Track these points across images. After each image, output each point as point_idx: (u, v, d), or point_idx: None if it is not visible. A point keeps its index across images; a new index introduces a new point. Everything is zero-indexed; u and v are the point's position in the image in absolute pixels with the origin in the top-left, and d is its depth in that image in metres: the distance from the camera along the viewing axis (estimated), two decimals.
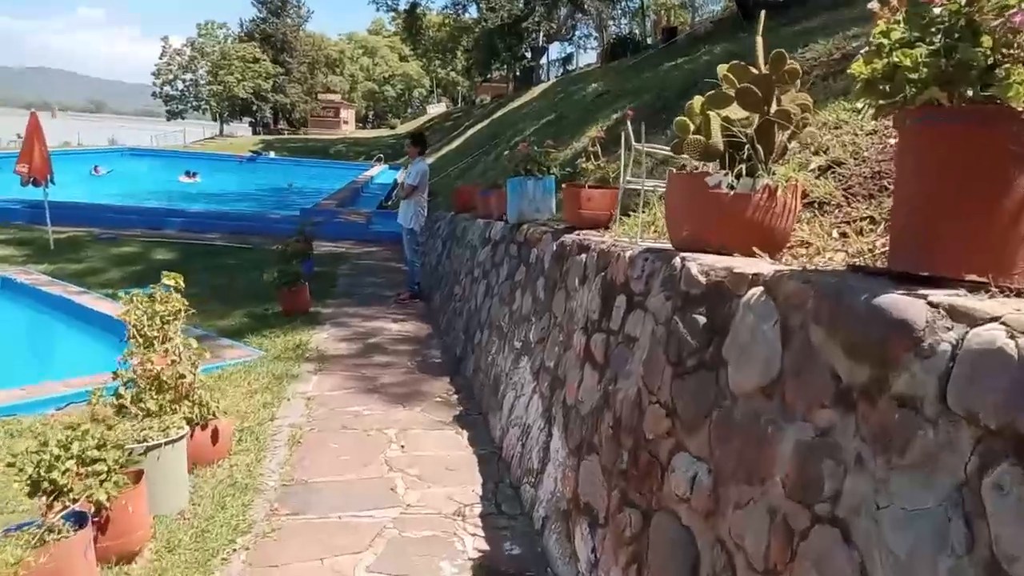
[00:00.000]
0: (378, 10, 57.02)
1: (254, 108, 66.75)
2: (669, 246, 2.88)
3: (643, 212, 3.71)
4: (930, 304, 1.30)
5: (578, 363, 3.38)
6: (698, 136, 2.68)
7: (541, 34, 48.63)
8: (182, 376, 4.06)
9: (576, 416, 3.26)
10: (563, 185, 4.73)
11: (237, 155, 43.61)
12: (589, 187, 4.48)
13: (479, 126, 32.76)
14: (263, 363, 6.39)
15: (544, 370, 3.96)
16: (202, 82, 66.06)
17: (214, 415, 4.24)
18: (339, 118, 76.61)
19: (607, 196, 4.43)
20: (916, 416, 1.27)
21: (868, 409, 1.40)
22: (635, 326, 2.78)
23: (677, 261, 2.51)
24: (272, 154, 46.78)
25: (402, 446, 4.53)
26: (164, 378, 4.08)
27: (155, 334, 4.75)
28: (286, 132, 67.63)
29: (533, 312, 4.53)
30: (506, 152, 6.14)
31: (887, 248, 1.85)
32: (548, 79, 46.57)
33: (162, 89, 65.37)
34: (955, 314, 1.25)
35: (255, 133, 66.73)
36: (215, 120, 68.24)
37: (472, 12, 52.01)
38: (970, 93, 1.48)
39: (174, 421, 3.81)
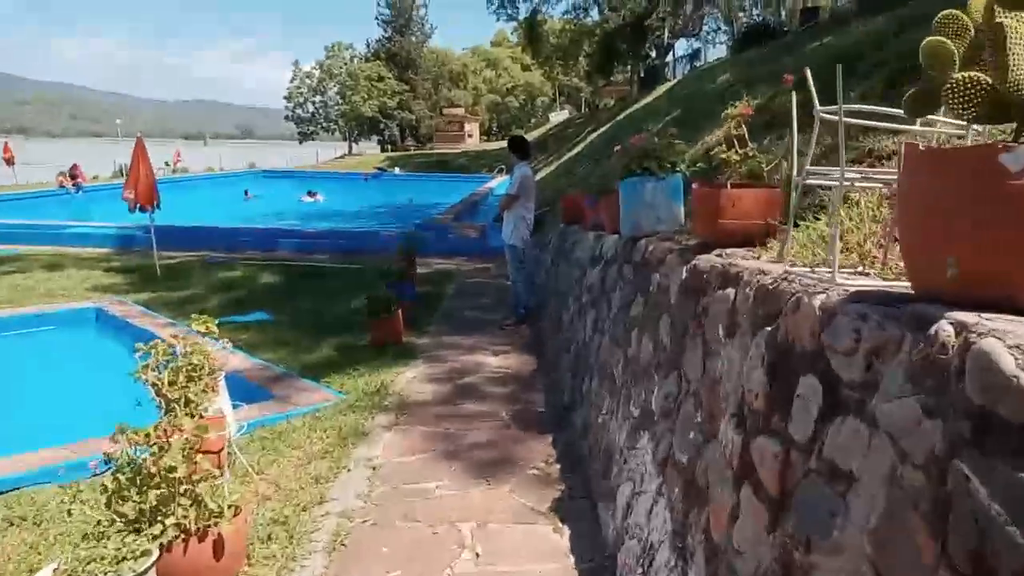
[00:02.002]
0: (498, 20, 56.87)
1: (381, 126, 68.26)
2: (900, 287, 1.53)
3: (834, 221, 2.30)
4: None
5: (730, 475, 2.04)
6: (975, 74, 1.32)
7: (666, 31, 46.60)
8: (171, 469, 3.00)
9: (728, 569, 1.93)
10: (693, 185, 3.39)
11: (362, 173, 44.31)
12: (733, 186, 3.12)
13: (601, 130, 31.40)
14: (334, 414, 5.39)
15: (673, 464, 2.64)
16: (331, 103, 68.24)
17: (221, 514, 3.16)
18: (463, 131, 77.14)
19: (762, 198, 3.04)
20: None
21: None
22: (849, 448, 1.42)
23: (946, 333, 1.16)
24: (396, 170, 47.30)
25: (477, 554, 3.30)
26: (153, 468, 3.05)
27: (175, 395, 3.77)
28: (412, 148, 68.74)
29: (655, 365, 3.20)
30: (616, 148, 4.79)
31: None
32: (674, 77, 44.50)
33: (294, 112, 68.05)
34: None
35: (383, 150, 68.24)
36: (345, 140, 70.34)
37: (594, 15, 50.76)
38: None
39: (141, 544, 2.76)
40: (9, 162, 33.29)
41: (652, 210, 4.33)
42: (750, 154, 3.18)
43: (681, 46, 53.33)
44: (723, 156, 3.21)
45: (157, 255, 12.48)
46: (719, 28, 50.96)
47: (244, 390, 6.52)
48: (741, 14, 44.09)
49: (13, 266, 12.76)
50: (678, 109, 16.50)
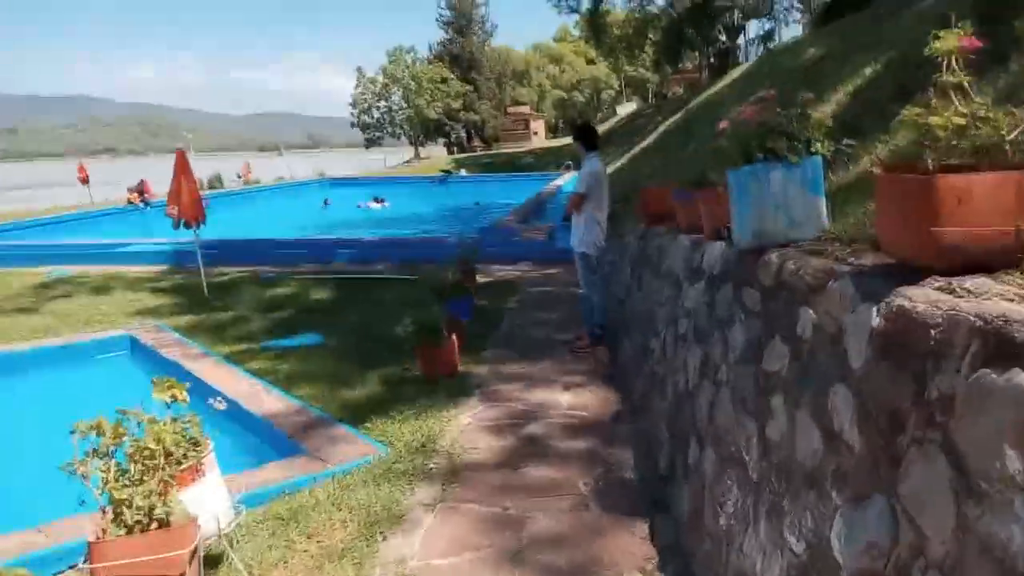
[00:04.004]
0: (559, 14, 55.43)
1: (447, 128, 67.70)
2: None
3: None
4: None
5: None
6: None
7: (736, 12, 44.37)
8: None
9: None
10: (874, 170, 2.12)
11: (428, 177, 43.69)
12: (944, 169, 1.85)
13: (672, 119, 29.74)
14: (367, 480, 4.28)
15: None
16: (396, 108, 68.03)
17: None
18: (529, 130, 76.05)
19: (1010, 189, 1.77)
20: None
21: None
22: None
23: None
24: (463, 172, 46.53)
25: None
26: None
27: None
28: (479, 149, 67.98)
29: (832, 473, 1.94)
30: (722, 124, 3.50)
31: None
32: (747, 60, 42.27)
33: (359, 119, 68.06)
34: None
35: (450, 153, 67.70)
36: (412, 144, 70.14)
37: (659, 1, 48.81)
38: None
39: None
40: (84, 182, 33.87)
41: (782, 209, 3.05)
42: (983, 114, 1.89)
43: (752, 28, 50.76)
44: (933, 119, 1.92)
45: (205, 273, 11.74)
46: (792, 6, 48.35)
47: (273, 442, 5.53)
48: None
49: (62, 289, 12.24)
50: (762, 90, 14.90)
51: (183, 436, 3.33)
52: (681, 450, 3.65)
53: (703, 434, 3.33)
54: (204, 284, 11.40)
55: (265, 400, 6.16)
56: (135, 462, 2.82)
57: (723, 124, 3.72)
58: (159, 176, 31.99)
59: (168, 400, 3.08)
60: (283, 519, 3.90)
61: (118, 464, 2.86)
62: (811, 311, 2.31)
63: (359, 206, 28.03)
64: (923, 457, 1.50)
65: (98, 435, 2.83)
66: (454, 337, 6.42)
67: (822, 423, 2.04)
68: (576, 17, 55.42)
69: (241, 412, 6.01)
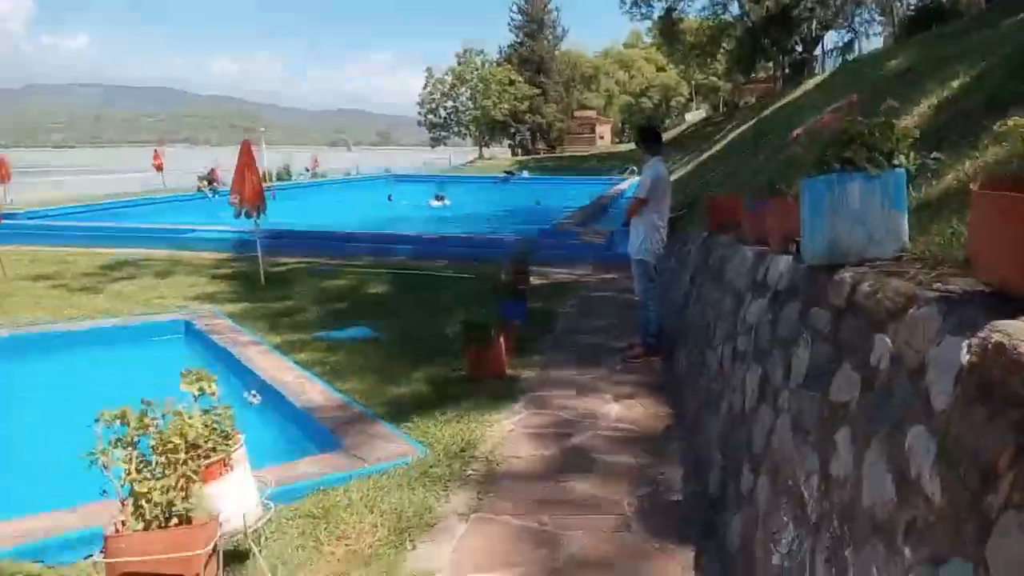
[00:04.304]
0: (632, 20, 54.95)
1: (512, 129, 67.79)
2: None
3: None
4: None
5: None
6: None
7: (814, 22, 43.17)
8: None
9: None
10: (974, 187, 1.88)
11: (491, 176, 43.75)
12: None
13: (742, 128, 29.07)
14: (403, 483, 4.15)
15: None
16: (463, 108, 68.44)
17: None
18: (594, 134, 75.67)
19: None
20: None
21: None
22: None
23: None
24: (525, 173, 46.51)
25: None
26: None
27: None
28: (543, 151, 67.88)
29: (907, 526, 1.70)
30: (796, 132, 3.23)
31: None
32: (823, 71, 41.08)
33: (427, 117, 68.71)
34: None
35: (514, 154, 67.78)
36: (476, 144, 70.47)
37: (733, 9, 47.84)
38: None
39: None
40: (159, 168, 35.00)
41: (859, 223, 2.80)
42: None
43: (830, 39, 49.31)
44: None
45: (264, 261, 11.87)
46: (873, 18, 46.70)
47: (313, 435, 5.46)
48: (898, 2, 40.09)
49: (126, 271, 12.54)
50: (840, 100, 14.33)
51: (213, 429, 3.25)
52: (734, 475, 3.41)
53: (758, 461, 3.09)
54: (262, 272, 11.52)
55: (309, 391, 6.11)
56: (158, 455, 2.73)
57: (798, 131, 3.46)
58: (231, 165, 32.81)
59: (196, 392, 2.99)
60: (314, 517, 3.79)
61: (141, 455, 2.78)
62: (888, 339, 2.06)
63: (429, 204, 28.20)
64: (1021, 528, 1.26)
65: (123, 424, 2.75)
66: (503, 339, 6.25)
67: (895, 467, 1.80)
68: (648, 23, 54.91)
69: (283, 403, 5.97)
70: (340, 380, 6.43)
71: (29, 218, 19.80)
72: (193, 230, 16.80)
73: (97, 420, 2.78)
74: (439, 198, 28.59)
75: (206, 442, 3.18)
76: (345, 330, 8.34)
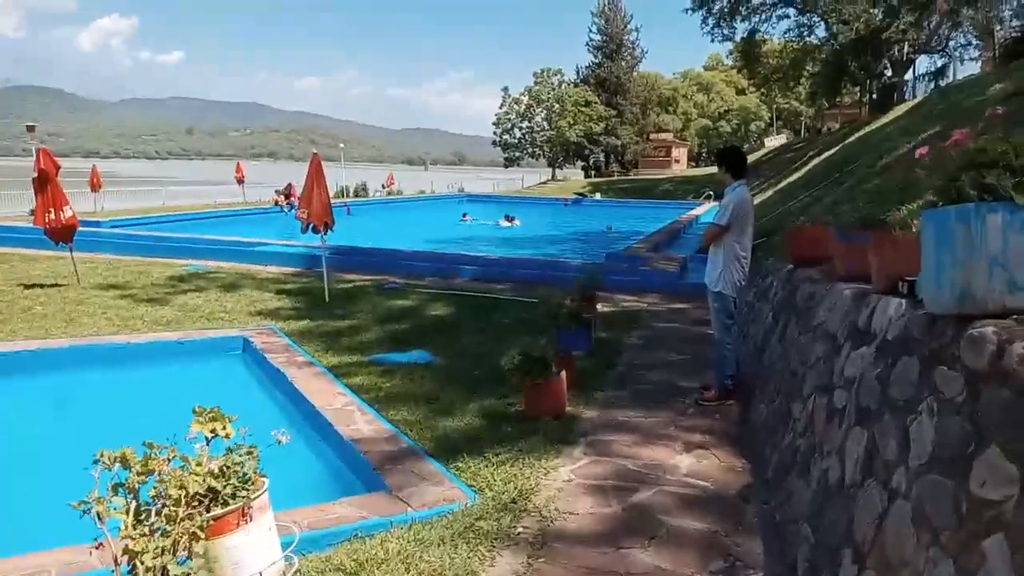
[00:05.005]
0: (712, 41, 54.05)
1: (586, 151, 67.35)
2: None
3: None
4: None
5: None
6: None
7: (906, 45, 41.45)
8: None
9: None
10: None
11: (562, 198, 43.39)
12: None
13: (826, 155, 27.94)
14: (446, 538, 3.72)
15: None
16: (537, 129, 68.41)
17: None
18: (670, 157, 74.56)
19: None
20: None
21: None
22: None
23: None
24: (597, 196, 45.99)
25: None
26: None
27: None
28: (616, 174, 67.20)
29: None
30: (922, 150, 2.68)
31: None
32: (913, 96, 39.36)
33: (501, 138, 68.90)
34: None
35: (587, 176, 67.30)
36: (550, 166, 70.31)
37: (820, 31, 46.44)
38: None
39: None
40: (240, 181, 36.02)
41: (1000, 265, 2.26)
42: None
43: (922, 63, 47.33)
44: None
45: (329, 279, 11.75)
46: (969, 42, 44.52)
47: (355, 470, 5.10)
48: (998, 26, 38.11)
49: (195, 284, 12.60)
50: (937, 126, 13.39)
51: (235, 472, 2.91)
52: (829, 563, 2.86)
53: (863, 551, 2.54)
54: (326, 289, 11.37)
55: (357, 421, 5.77)
56: (156, 509, 2.39)
57: (923, 151, 2.92)
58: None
59: (209, 434, 2.64)
60: (345, 574, 3.41)
61: (142, 504, 2.44)
62: None
63: (499, 224, 28.05)
64: None
65: (123, 467, 2.41)
66: (563, 374, 5.79)
67: None
68: (730, 45, 53.89)
69: (329, 432, 5.66)
70: (391, 408, 6.10)
71: (112, 227, 20.37)
72: (264, 244, 16.91)
73: (96, 462, 2.45)
74: (509, 219, 28.37)
75: (224, 487, 2.84)
76: (403, 353, 8.04)
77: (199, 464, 2.55)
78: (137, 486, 2.45)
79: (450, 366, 7.53)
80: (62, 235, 11.59)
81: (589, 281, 8.34)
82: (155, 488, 2.41)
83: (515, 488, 4.34)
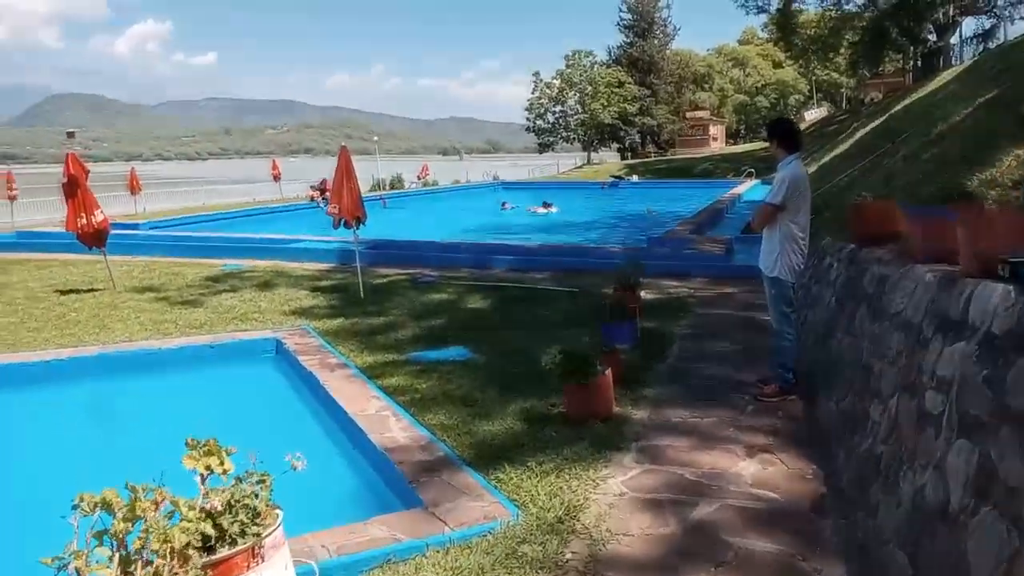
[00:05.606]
0: (747, 14, 52.65)
1: (621, 133, 66.29)
2: None
3: None
4: None
5: None
6: None
7: (950, 8, 39.74)
8: None
9: None
10: None
11: (600, 182, 42.71)
12: None
13: (871, 125, 26.90)
14: (483, 569, 3.35)
15: None
16: (571, 112, 67.49)
17: None
18: (707, 135, 73.08)
19: None
20: None
21: None
22: None
23: None
24: (635, 178, 45.18)
25: None
26: None
27: None
28: (652, 154, 66.08)
29: None
30: None
31: None
32: (960, 61, 37.77)
33: (535, 123, 68.09)
34: None
35: (623, 158, 66.27)
36: (584, 149, 69.40)
37: None
38: None
39: None
40: (276, 178, 36.20)
41: None
42: None
43: (968, 25, 45.31)
44: None
45: (364, 273, 11.47)
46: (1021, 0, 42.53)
47: (389, 483, 4.78)
48: None
49: (230, 283, 12.44)
50: (994, 89, 12.57)
51: (243, 506, 2.57)
52: None
53: None
54: (361, 285, 11.10)
55: (392, 428, 5.45)
56: (143, 562, 2.05)
57: None
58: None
59: (204, 472, 2.30)
60: None
61: (132, 555, 2.11)
62: None
63: (528, 210, 27.63)
64: None
65: (104, 512, 2.09)
66: (609, 372, 5.37)
67: None
68: (764, 18, 52.42)
69: (361, 440, 5.34)
70: (427, 412, 5.77)
71: (150, 228, 20.45)
72: (299, 240, 16.75)
73: (74, 507, 2.12)
74: (547, 205, 27.91)
75: (231, 524, 2.50)
76: (440, 351, 7.72)
77: (191, 508, 2.20)
78: (123, 535, 2.12)
79: (489, 363, 7.18)
80: (94, 239, 11.50)
81: (632, 269, 7.89)
82: (140, 539, 2.08)
83: (561, 504, 3.95)
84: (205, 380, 7.61)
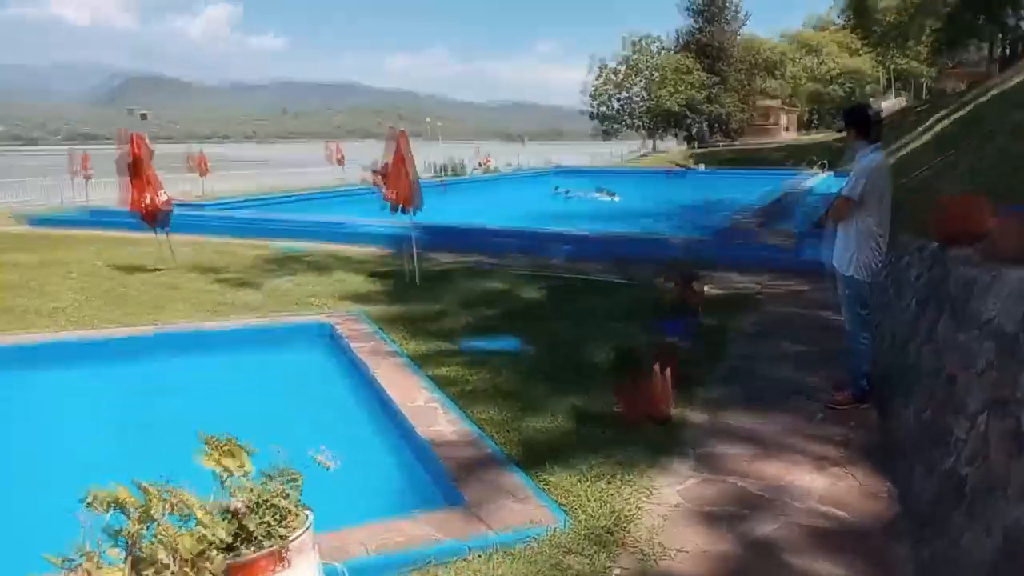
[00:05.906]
0: None
1: (687, 121, 64.89)
2: None
3: None
4: None
5: None
6: None
7: None
8: None
9: None
10: None
11: (665, 169, 41.94)
12: None
13: (955, 116, 25.60)
14: None
15: None
16: (636, 99, 66.30)
17: None
18: (778, 124, 71.08)
19: None
20: None
21: None
22: None
23: None
24: (701, 167, 44.22)
25: None
26: None
27: None
28: (720, 143, 64.54)
29: None
30: None
31: None
32: None
33: (598, 110, 67.12)
34: None
35: (689, 146, 64.93)
36: (649, 137, 68.20)
37: None
38: None
39: None
40: (340, 162, 36.54)
41: None
42: None
43: None
44: None
45: (420, 259, 11.38)
46: None
47: (432, 478, 4.63)
48: None
49: (288, 266, 12.51)
50: None
51: (271, 506, 2.43)
52: None
53: None
54: (416, 271, 11.00)
55: (439, 421, 5.30)
56: (155, 569, 1.91)
57: None
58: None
59: (221, 472, 2.15)
60: None
61: (139, 560, 1.97)
62: None
63: (589, 197, 27.24)
64: None
65: (118, 510, 1.95)
66: (668, 372, 5.10)
67: None
68: (840, 3, 50.58)
69: (407, 433, 5.20)
70: (476, 405, 5.60)
71: (215, 209, 20.81)
72: (356, 224, 16.79)
73: (89, 503, 1.99)
74: (609, 193, 27.45)
75: (257, 525, 2.37)
76: (491, 340, 7.54)
77: (207, 512, 2.05)
78: (137, 536, 1.99)
79: (541, 356, 6.96)
80: (157, 219, 11.67)
81: (693, 261, 7.55)
82: (150, 545, 1.94)
83: (611, 512, 3.72)
84: (256, 364, 7.59)
